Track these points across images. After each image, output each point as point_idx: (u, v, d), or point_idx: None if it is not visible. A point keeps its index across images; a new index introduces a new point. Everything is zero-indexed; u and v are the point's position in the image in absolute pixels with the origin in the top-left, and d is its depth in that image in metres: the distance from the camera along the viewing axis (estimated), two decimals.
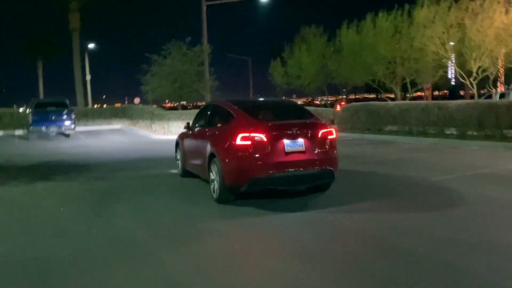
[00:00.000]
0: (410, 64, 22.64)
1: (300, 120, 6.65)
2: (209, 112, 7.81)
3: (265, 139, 5.99)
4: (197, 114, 8.56)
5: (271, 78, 31.31)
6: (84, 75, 30.86)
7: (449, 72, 25.46)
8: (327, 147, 6.40)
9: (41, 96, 39.44)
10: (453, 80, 30.51)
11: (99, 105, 49.93)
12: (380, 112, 17.72)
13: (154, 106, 27.15)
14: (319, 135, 6.35)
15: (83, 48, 33.79)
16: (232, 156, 6.15)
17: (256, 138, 5.99)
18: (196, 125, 8.13)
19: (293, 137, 6.16)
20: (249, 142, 6.00)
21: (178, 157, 9.03)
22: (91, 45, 38.07)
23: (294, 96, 73.93)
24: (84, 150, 15.38)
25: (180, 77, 21.33)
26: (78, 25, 30.21)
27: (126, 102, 62.51)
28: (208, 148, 6.84)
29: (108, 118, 27.48)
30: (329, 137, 6.46)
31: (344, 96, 35.55)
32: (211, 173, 6.70)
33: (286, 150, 6.11)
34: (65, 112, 19.45)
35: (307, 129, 6.36)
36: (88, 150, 15.49)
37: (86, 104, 32.70)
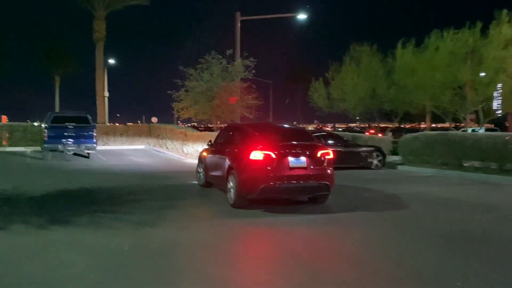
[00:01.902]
0: (484, 89, 19.90)
1: (303, 142, 8.17)
2: (228, 132, 9.63)
3: (273, 156, 7.54)
4: (219, 133, 10.39)
5: (311, 101, 28.72)
6: (112, 87, 28.78)
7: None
8: (325, 165, 7.93)
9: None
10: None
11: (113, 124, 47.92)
12: (465, 143, 14.86)
13: (181, 125, 24.72)
14: (318, 155, 7.90)
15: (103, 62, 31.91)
16: (246, 168, 7.69)
17: (266, 154, 7.53)
18: (217, 142, 9.81)
19: (297, 155, 7.70)
20: (260, 158, 7.53)
21: (200, 170, 10.62)
22: (110, 60, 36.59)
23: (316, 121, 71.92)
24: (108, 176, 12.83)
25: (220, 94, 18.86)
26: (104, 35, 28.38)
27: (144, 120, 60.49)
28: (227, 162, 8.43)
29: (131, 137, 25.25)
30: (327, 157, 7.99)
31: (396, 125, 32.18)
32: (228, 183, 8.19)
33: (290, 166, 7.64)
34: (86, 128, 17.03)
35: (308, 149, 7.89)
36: (113, 175, 12.94)
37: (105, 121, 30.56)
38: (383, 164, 16.13)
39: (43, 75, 55.23)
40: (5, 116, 32.95)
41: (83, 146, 17.02)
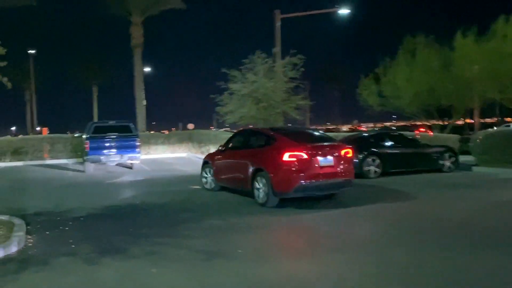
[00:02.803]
0: None
1: (328, 142, 9.16)
2: (245, 137, 10.14)
3: (305, 156, 8.30)
4: (231, 138, 10.78)
5: (360, 99, 27.00)
6: (148, 94, 28.36)
7: None
8: (347, 162, 8.84)
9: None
10: None
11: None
12: None
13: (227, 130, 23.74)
14: (342, 154, 8.77)
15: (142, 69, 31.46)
16: (281, 169, 8.30)
17: (299, 155, 8.28)
18: (231, 147, 10.25)
19: (325, 155, 8.52)
20: (294, 159, 8.26)
21: (206, 175, 10.95)
22: (146, 69, 36.31)
23: (355, 121, 69.62)
24: (155, 188, 11.86)
25: (267, 95, 17.64)
26: (141, 41, 27.94)
27: (180, 127, 60.29)
28: (253, 164, 8.91)
29: (172, 145, 24.48)
30: (348, 155, 8.90)
31: (448, 121, 29.58)
32: (256, 184, 8.77)
33: (320, 165, 8.44)
34: (129, 138, 16.24)
35: (333, 149, 8.78)
36: (160, 187, 11.95)
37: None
38: (457, 166, 14.38)
39: (82, 86, 55.76)
40: (46, 128, 33.19)
41: (126, 157, 16.23)
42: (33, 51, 41.18)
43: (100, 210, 9.00)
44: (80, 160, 19.58)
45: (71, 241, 6.44)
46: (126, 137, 16.23)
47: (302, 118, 18.88)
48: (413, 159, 14.09)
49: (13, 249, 5.93)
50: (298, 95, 18.50)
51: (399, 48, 25.01)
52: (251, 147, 9.57)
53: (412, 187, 11.01)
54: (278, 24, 20.12)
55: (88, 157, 16.12)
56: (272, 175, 8.29)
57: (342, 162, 8.69)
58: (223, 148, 10.52)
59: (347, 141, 14.21)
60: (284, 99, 18.06)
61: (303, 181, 8.21)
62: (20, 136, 23.53)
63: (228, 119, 18.51)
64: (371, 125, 69.61)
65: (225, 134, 19.67)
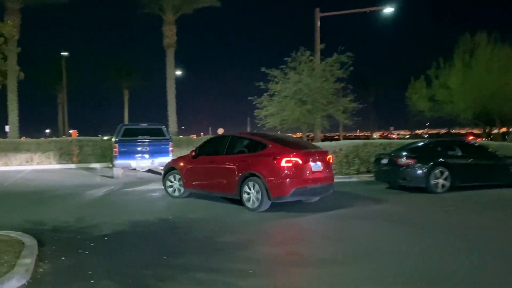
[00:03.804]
0: None
1: (316, 149, 9.51)
2: (227, 142, 9.89)
3: (301, 162, 8.55)
4: (205, 144, 10.82)
5: (409, 104, 24.96)
6: (178, 97, 27.27)
7: None
8: (330, 167, 9.39)
9: None
10: None
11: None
12: None
13: None
14: (327, 159, 9.26)
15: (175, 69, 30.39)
16: (278, 174, 8.46)
17: (295, 161, 8.49)
18: (206, 152, 10.32)
19: (315, 160, 8.89)
20: (290, 164, 8.45)
21: (172, 181, 10.83)
22: (177, 72, 35.32)
23: (391, 128, 66.84)
24: (189, 201, 10.43)
25: (312, 97, 16.07)
26: (174, 40, 26.91)
27: (210, 132, 59.28)
28: (242, 169, 9.00)
29: None
30: (330, 161, 9.42)
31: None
32: (245, 189, 8.91)
33: (312, 170, 8.78)
34: (161, 142, 15.00)
35: (321, 155, 9.14)
36: (193, 199, 10.52)
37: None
38: None
39: (114, 89, 55.77)
40: (75, 131, 32.66)
41: (157, 162, 14.98)
42: (65, 53, 41.03)
43: (127, 226, 7.65)
44: (109, 164, 18.57)
45: (90, 272, 5.06)
46: (158, 141, 15.01)
47: (351, 123, 17.10)
48: (487, 172, 12.19)
49: (15, 285, 4.58)
50: (345, 97, 16.87)
51: (454, 48, 22.89)
52: (236, 152, 9.58)
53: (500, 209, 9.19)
54: (318, 22, 18.59)
55: (116, 162, 14.98)
56: (268, 180, 8.47)
57: (327, 167, 9.22)
58: (195, 154, 10.34)
59: (409, 150, 12.48)
60: (331, 101, 16.45)
61: (299, 186, 8.53)
62: (48, 138, 22.77)
63: (268, 123, 17.02)
64: (402, 132, 66.85)
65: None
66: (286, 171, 8.43)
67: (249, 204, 8.84)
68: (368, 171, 15.02)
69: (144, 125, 15.67)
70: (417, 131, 67.03)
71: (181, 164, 10.70)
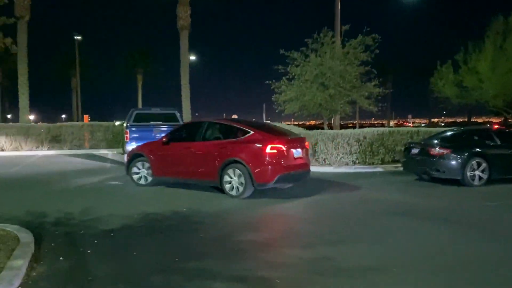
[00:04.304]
0: None
1: (297, 136, 9.84)
2: (203, 128, 9.65)
3: (284, 149, 8.62)
4: (176, 130, 10.57)
5: (435, 90, 23.71)
6: (191, 83, 26.42)
7: None
8: (307, 154, 9.50)
9: None
10: None
11: None
12: None
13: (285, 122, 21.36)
14: (306, 146, 9.44)
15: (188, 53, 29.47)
16: (263, 161, 8.48)
17: (279, 148, 8.56)
18: (178, 138, 9.98)
19: (297, 147, 8.97)
20: (275, 151, 8.52)
21: (139, 169, 10.26)
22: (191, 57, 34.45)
23: (409, 116, 65.10)
24: (202, 188, 9.70)
25: (334, 81, 15.10)
26: (188, 22, 25.99)
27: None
28: (223, 156, 8.86)
29: None
30: (307, 147, 9.55)
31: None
32: (226, 176, 8.79)
33: (294, 156, 8.88)
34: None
35: (301, 142, 9.32)
36: (206, 186, 9.80)
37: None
38: None
39: (127, 74, 55.33)
40: (87, 116, 32.18)
41: None
42: (78, 37, 40.42)
43: (136, 220, 6.94)
44: (121, 150, 17.97)
45: (90, 278, 4.35)
46: (171, 127, 14.24)
47: (376, 110, 16.08)
48: None
49: None
50: (370, 82, 15.85)
51: (485, 31, 21.49)
52: (214, 139, 9.45)
53: None
54: (338, 4, 17.48)
55: (128, 148, 14.27)
56: (252, 167, 8.45)
57: (306, 154, 9.35)
58: (167, 140, 9.92)
59: (442, 139, 11.52)
60: (355, 86, 15.47)
61: (283, 172, 8.58)
62: (59, 123, 22.28)
63: (286, 109, 16.11)
64: (417, 120, 65.21)
65: (281, 127, 17.27)
66: (270, 158, 8.49)
67: (231, 192, 8.75)
68: (394, 161, 14.10)
69: (156, 110, 14.94)
70: (433, 120, 65.38)
71: (150, 150, 10.19)
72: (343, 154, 13.57)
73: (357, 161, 13.75)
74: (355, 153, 13.71)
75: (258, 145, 8.57)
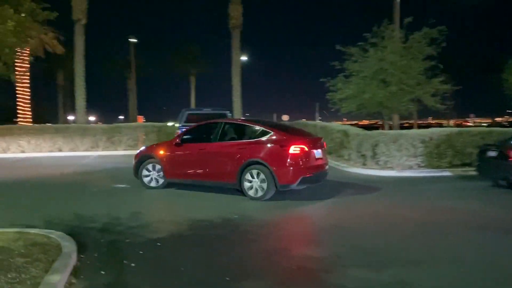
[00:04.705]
0: None
1: (316, 136, 9.83)
2: (222, 129, 9.30)
3: (306, 149, 8.41)
4: (191, 130, 10.01)
5: (505, 85, 21.79)
6: (242, 83, 26.07)
7: None
8: (325, 154, 9.27)
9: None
10: None
11: None
12: None
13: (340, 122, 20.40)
14: (324, 146, 9.29)
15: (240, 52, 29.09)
16: (287, 162, 8.28)
17: (302, 148, 8.36)
18: (192, 139, 9.60)
19: (317, 147, 8.78)
20: (298, 151, 8.31)
21: (150, 171, 9.88)
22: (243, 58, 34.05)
23: (472, 115, 61.15)
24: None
25: (397, 77, 14.00)
26: (240, 21, 25.65)
27: (274, 119, 57.92)
28: (243, 157, 8.62)
29: None
30: (325, 147, 9.40)
31: None
32: (247, 177, 8.55)
33: (316, 157, 8.67)
34: None
35: (320, 142, 9.14)
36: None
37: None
38: None
39: (180, 76, 56.39)
40: (141, 117, 32.76)
41: None
42: (134, 40, 41.44)
43: (185, 228, 6.46)
44: None
45: None
46: None
47: (443, 108, 14.79)
48: None
49: None
50: (435, 78, 14.58)
51: None
52: (232, 139, 9.23)
53: None
54: None
55: None
56: (275, 168, 8.30)
57: (324, 154, 9.14)
58: (180, 141, 9.60)
59: None
60: (420, 82, 14.28)
61: (306, 173, 8.38)
62: (114, 124, 22.67)
63: (343, 107, 15.20)
64: (478, 120, 61.43)
65: (336, 127, 16.37)
66: (294, 159, 8.29)
67: (251, 193, 8.51)
68: (464, 164, 12.80)
69: (208, 110, 14.67)
70: (496, 119, 61.48)
71: (162, 152, 9.84)
72: (407, 156, 12.49)
73: (422, 164, 12.61)
74: (420, 155, 12.57)
75: (280, 145, 8.40)
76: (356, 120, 52.12)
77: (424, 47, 14.24)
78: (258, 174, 8.44)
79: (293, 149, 8.29)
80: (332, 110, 15.79)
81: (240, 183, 8.63)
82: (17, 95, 30.55)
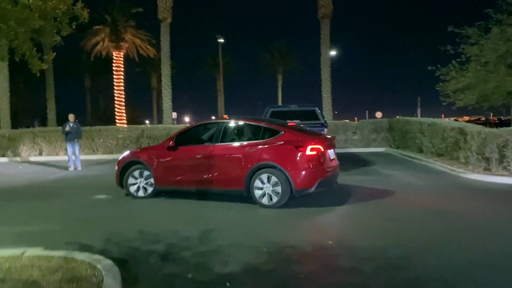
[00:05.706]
0: None
1: (329, 136, 9.10)
2: (223, 129, 8.41)
3: (322, 150, 7.79)
4: (185, 132, 9.01)
5: None
6: (332, 77, 24.03)
7: None
8: (335, 154, 8.64)
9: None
10: None
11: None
12: None
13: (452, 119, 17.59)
14: (335, 146, 8.73)
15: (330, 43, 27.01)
16: (302, 164, 7.58)
17: (319, 149, 7.70)
18: (188, 142, 8.70)
19: (330, 148, 8.26)
20: (315, 153, 7.65)
21: (136, 178, 8.84)
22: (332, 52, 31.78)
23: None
24: (361, 211, 7.27)
25: None
26: (330, 10, 23.68)
27: (367, 116, 54.49)
28: (252, 160, 7.79)
29: (365, 137, 19.84)
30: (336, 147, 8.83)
31: None
32: (256, 183, 7.72)
33: (330, 158, 8.14)
34: (315, 126, 12.05)
35: (332, 142, 8.58)
36: (357, 200, 7.31)
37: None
38: None
39: (268, 74, 56.03)
40: (225, 116, 32.21)
41: None
42: (221, 40, 41.33)
43: (264, 257, 4.90)
44: None
45: None
46: (311, 126, 12.07)
47: None
48: None
49: None
50: None
51: None
52: (235, 141, 8.31)
53: None
54: None
55: None
56: (291, 171, 7.55)
57: (335, 154, 8.59)
58: (173, 144, 8.60)
59: None
60: None
61: (323, 176, 7.76)
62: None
63: (459, 100, 12.61)
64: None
65: (448, 124, 13.72)
66: (311, 161, 7.64)
67: (263, 200, 7.69)
68: None
69: (294, 106, 13.07)
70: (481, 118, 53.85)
71: (151, 157, 8.83)
72: None
73: None
74: None
75: (295, 146, 7.70)
76: (455, 116, 47.27)
77: None
78: (269, 178, 7.66)
79: (310, 150, 7.63)
80: (445, 103, 13.22)
81: (249, 189, 7.79)
82: (114, 99, 31.76)
